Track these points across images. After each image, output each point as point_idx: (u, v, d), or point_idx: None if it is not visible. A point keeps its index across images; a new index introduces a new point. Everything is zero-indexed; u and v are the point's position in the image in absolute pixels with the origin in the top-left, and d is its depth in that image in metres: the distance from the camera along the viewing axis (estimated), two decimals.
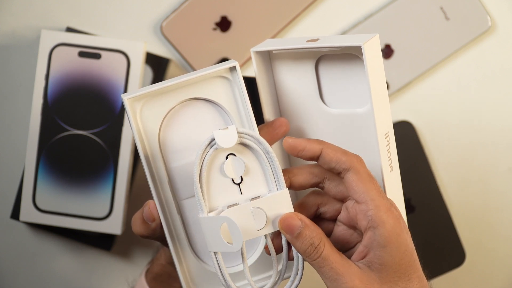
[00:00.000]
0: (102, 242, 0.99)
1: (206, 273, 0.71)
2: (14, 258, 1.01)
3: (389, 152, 0.70)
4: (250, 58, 0.88)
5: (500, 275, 1.04)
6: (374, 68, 0.68)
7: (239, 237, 0.64)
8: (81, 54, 0.95)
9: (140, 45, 0.95)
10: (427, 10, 0.99)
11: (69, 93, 0.95)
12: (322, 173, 0.68)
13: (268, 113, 0.74)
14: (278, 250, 0.68)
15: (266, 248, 0.69)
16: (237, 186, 0.67)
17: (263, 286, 0.68)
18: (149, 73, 0.98)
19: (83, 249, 1.01)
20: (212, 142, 0.66)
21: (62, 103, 0.95)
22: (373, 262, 0.65)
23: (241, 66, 0.98)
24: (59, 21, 0.98)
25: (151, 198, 0.69)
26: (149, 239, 0.72)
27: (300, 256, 0.67)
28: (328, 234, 0.69)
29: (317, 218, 0.70)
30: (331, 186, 0.68)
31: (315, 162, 0.68)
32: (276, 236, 0.68)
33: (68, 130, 0.95)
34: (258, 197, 0.67)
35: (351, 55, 0.70)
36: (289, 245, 0.68)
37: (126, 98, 0.67)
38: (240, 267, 0.70)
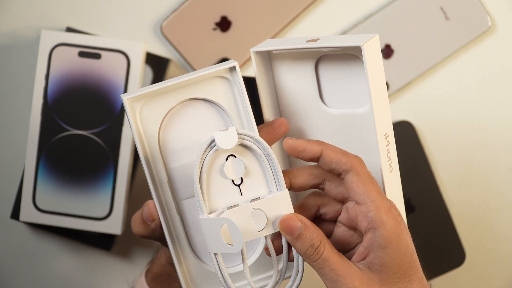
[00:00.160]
0: (102, 242, 0.99)
1: (206, 273, 0.71)
2: (14, 258, 1.01)
3: (389, 152, 0.70)
4: (250, 58, 0.88)
5: (500, 275, 1.04)
6: (374, 68, 0.68)
7: (240, 238, 0.64)
8: (81, 54, 0.95)
9: (140, 45, 0.95)
10: (427, 10, 0.99)
11: (69, 93, 0.95)
12: (323, 174, 0.68)
13: (268, 113, 0.74)
14: (278, 251, 0.68)
15: (266, 249, 0.69)
16: (237, 187, 0.67)
17: (263, 287, 0.68)
18: (149, 73, 0.98)
19: (83, 249, 1.01)
20: (212, 143, 0.66)
21: (62, 103, 0.95)
22: (373, 263, 0.65)
23: (241, 66, 0.98)
24: (59, 21, 0.98)
25: (151, 198, 0.69)
26: (149, 239, 0.72)
27: (300, 257, 0.67)
28: (328, 235, 0.69)
29: (317, 219, 0.70)
30: (331, 187, 0.68)
31: (315, 163, 0.68)
32: (276, 237, 0.68)
33: (68, 130, 0.95)
34: (258, 198, 0.67)
35: (351, 55, 0.70)
36: (289, 246, 0.67)
37: (126, 98, 0.67)
38: (240, 267, 0.70)
